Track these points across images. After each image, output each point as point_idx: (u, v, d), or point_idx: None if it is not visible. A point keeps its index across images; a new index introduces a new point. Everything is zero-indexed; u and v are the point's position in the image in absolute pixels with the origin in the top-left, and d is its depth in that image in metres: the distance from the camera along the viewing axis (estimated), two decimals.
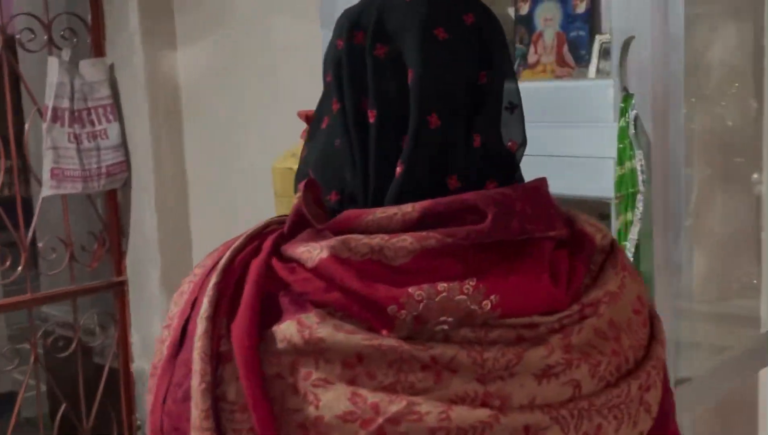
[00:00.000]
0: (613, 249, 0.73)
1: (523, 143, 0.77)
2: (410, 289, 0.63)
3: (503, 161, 0.73)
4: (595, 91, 1.40)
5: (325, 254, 0.66)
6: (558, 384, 0.63)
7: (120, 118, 2.38)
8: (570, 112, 1.43)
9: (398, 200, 0.68)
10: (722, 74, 1.42)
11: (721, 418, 1.41)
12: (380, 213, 0.66)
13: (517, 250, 0.66)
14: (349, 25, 0.74)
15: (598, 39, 1.58)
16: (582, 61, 1.62)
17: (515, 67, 1.71)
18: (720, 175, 1.38)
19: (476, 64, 0.72)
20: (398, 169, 0.68)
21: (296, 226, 0.71)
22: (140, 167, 2.38)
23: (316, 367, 0.63)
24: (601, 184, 1.41)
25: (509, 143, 0.75)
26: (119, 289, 2.50)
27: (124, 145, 2.38)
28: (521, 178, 0.76)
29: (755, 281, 1.39)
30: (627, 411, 0.66)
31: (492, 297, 0.64)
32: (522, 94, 1.50)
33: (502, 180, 0.71)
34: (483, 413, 0.61)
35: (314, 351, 0.63)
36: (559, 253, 0.68)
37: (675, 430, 0.74)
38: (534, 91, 1.49)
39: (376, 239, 0.65)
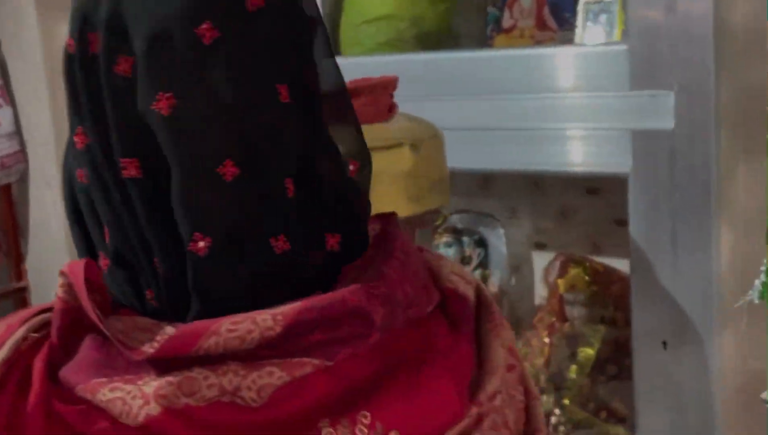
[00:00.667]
0: (480, 300, 0.60)
1: (366, 161, 0.57)
2: None
3: (342, 200, 0.54)
4: (607, 58, 1.27)
5: (155, 411, 0.46)
6: None
7: (12, 101, 2.09)
8: (577, 80, 1.29)
9: (204, 283, 0.49)
10: None
11: (746, 402, 1.33)
12: (227, 331, 0.47)
13: (405, 350, 0.52)
14: (81, 23, 0.51)
15: (583, 0, 1.46)
16: (565, 25, 1.48)
17: (488, 32, 1.56)
18: None
19: (274, 73, 0.51)
20: (200, 245, 0.49)
21: (69, 332, 0.51)
22: (40, 158, 2.10)
23: None
24: (615, 159, 1.29)
25: (351, 167, 0.55)
26: (19, 296, 2.21)
27: (18, 132, 2.09)
28: (367, 207, 0.57)
29: None
30: None
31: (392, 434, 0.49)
32: (518, 62, 1.37)
33: (347, 226, 0.54)
34: None
35: None
36: (441, 335, 0.55)
37: None
38: (534, 58, 1.34)
39: (228, 375, 0.47)
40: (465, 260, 1.63)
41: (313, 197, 0.52)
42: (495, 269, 1.63)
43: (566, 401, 1.50)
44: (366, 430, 0.48)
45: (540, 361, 1.55)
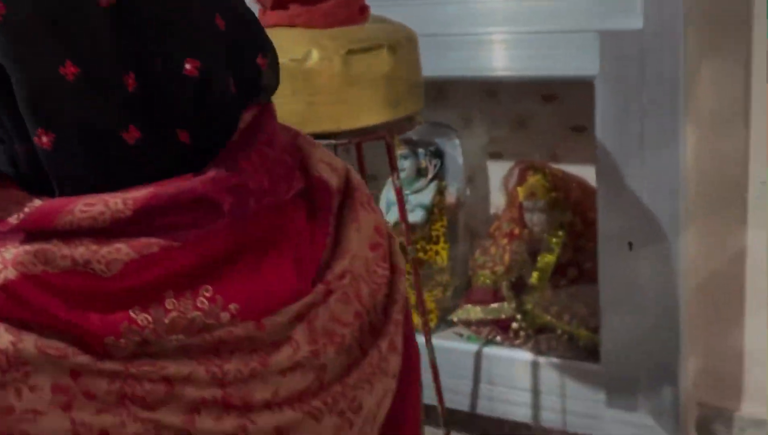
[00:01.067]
0: (348, 188, 0.64)
1: (211, 61, 0.56)
2: (132, 313, 0.52)
3: (183, 98, 0.55)
4: None
5: (12, 275, 0.51)
6: (303, 373, 0.56)
7: None
8: None
9: (56, 171, 0.54)
10: None
11: (708, 299, 1.37)
12: (81, 211, 0.52)
13: (255, 235, 0.56)
14: None
15: None
16: None
17: None
18: None
19: None
20: (44, 140, 0.53)
21: None
22: None
23: (18, 398, 0.50)
24: (581, 62, 1.28)
25: (187, 66, 0.55)
26: None
27: None
28: (224, 104, 0.58)
29: None
30: (380, 369, 0.61)
31: (231, 307, 0.54)
32: None
33: (196, 123, 0.55)
34: (230, 423, 0.54)
35: (13, 380, 0.50)
36: (297, 220, 0.59)
37: (416, 353, 0.67)
38: None
39: (81, 249, 0.52)
40: (422, 172, 1.62)
41: (154, 93, 0.54)
42: (452, 180, 1.63)
43: (528, 306, 1.52)
44: (206, 302, 0.53)
45: (500, 269, 1.56)
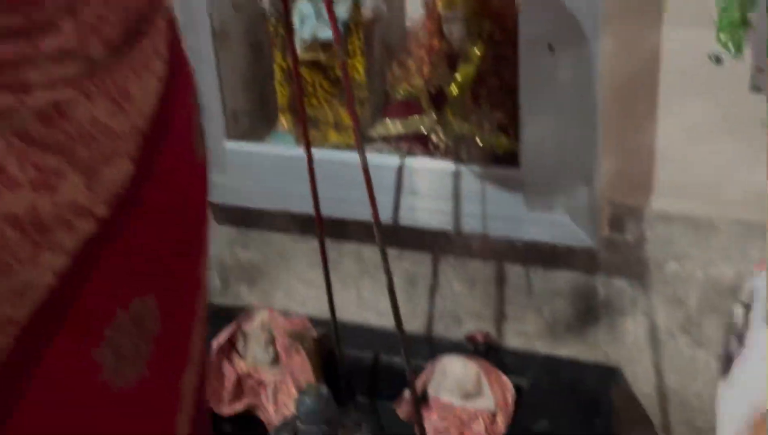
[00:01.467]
0: None
1: None
2: None
3: None
4: None
5: None
6: (74, 61, 0.63)
7: None
8: None
9: None
10: None
11: (624, 99, 1.41)
12: None
13: None
14: None
15: None
16: None
17: None
18: None
19: None
20: None
21: None
22: None
23: None
24: None
25: None
26: None
27: None
28: None
29: None
30: (145, 66, 0.69)
31: None
32: None
33: None
34: (10, 100, 0.60)
35: None
36: None
37: (186, 72, 0.78)
38: None
39: None
40: None
41: None
42: None
43: (448, 118, 1.54)
44: None
45: (419, 82, 1.56)
